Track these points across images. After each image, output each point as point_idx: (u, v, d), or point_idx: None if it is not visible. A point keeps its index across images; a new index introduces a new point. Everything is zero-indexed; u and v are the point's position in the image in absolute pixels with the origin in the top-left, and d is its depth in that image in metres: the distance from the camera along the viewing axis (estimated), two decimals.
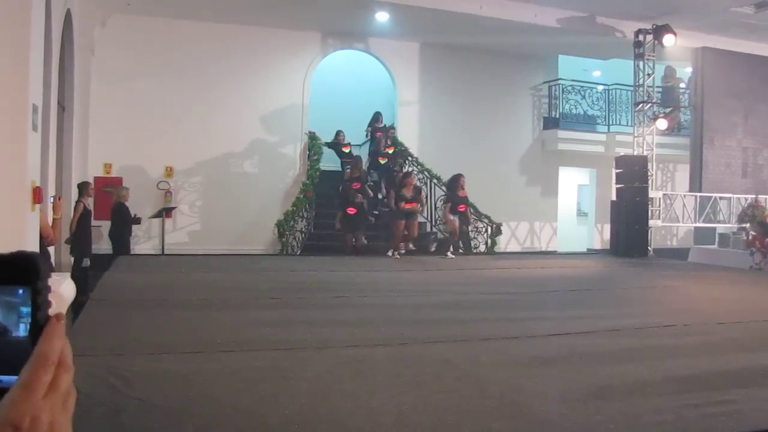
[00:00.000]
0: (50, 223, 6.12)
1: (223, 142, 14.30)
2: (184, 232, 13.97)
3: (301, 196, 13.31)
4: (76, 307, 6.29)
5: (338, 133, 15.16)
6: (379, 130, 15.03)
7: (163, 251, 12.93)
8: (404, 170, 13.71)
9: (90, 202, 11.06)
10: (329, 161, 15.03)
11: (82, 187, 10.86)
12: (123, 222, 11.98)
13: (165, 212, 13.10)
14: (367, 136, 15.51)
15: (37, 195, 5.21)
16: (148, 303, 6.55)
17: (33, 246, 5.30)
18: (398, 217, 11.92)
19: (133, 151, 13.57)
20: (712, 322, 6.32)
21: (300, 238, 13.16)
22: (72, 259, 10.70)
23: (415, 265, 10.80)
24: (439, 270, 10.33)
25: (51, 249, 6.47)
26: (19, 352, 0.61)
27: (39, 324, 0.63)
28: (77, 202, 10.69)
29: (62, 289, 5.03)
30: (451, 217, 12.30)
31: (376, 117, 15.20)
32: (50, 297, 0.66)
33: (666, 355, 4.95)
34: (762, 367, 4.65)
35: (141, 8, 13.01)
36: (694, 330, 5.95)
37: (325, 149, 14.90)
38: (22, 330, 0.62)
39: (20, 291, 0.62)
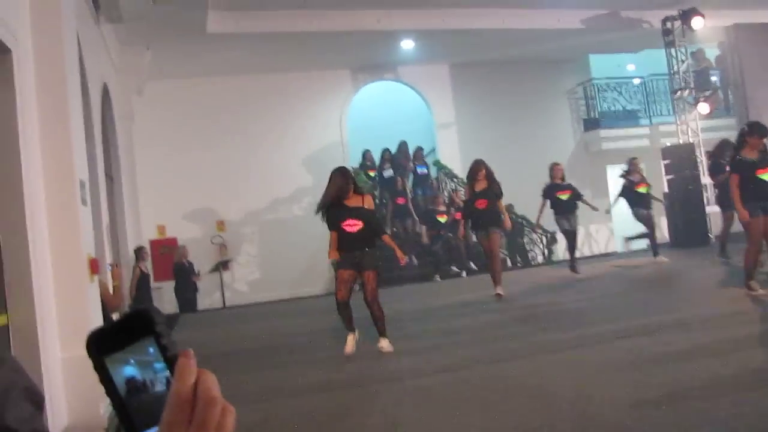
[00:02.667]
0: (111, 291, 6.32)
1: (269, 190, 14.54)
2: (243, 283, 14.19)
3: None
4: None
5: (365, 153, 15.21)
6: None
7: (224, 304, 13.14)
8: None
9: (147, 265, 11.38)
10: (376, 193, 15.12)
11: (137, 252, 11.19)
12: (185, 280, 12.32)
13: (222, 266, 13.34)
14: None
15: (94, 266, 5.38)
16: (213, 357, 6.65)
17: (96, 314, 5.46)
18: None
19: (183, 211, 13.90)
20: None
21: None
22: None
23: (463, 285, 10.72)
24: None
25: (114, 316, 6.64)
26: (160, 406, 0.63)
27: (171, 364, 0.65)
28: (134, 267, 10.99)
29: None
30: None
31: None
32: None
33: (739, 346, 4.83)
34: None
35: (173, 71, 13.39)
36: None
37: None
38: (159, 386, 0.64)
39: (150, 349, 0.64)
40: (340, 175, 6.30)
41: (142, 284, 10.94)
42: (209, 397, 0.64)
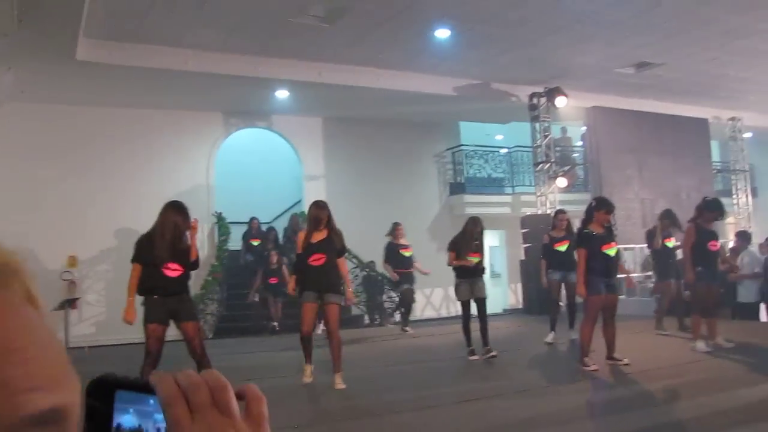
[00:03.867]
0: None
1: (128, 228, 13.76)
2: (90, 323, 13.39)
3: (210, 278, 13.01)
4: None
5: (251, 221, 14.41)
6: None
7: (67, 344, 12.30)
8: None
9: None
10: (237, 241, 14.75)
11: None
12: None
13: (69, 303, 12.52)
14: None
15: None
16: None
17: None
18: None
19: (34, 241, 12.98)
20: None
21: (212, 321, 12.81)
22: None
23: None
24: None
25: None
26: None
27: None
28: None
29: None
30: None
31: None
32: None
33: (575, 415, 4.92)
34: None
35: (36, 95, 12.65)
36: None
37: (232, 227, 14.62)
38: None
39: (150, 401, 0.62)
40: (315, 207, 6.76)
41: None
42: (190, 382, 0.61)
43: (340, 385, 6.32)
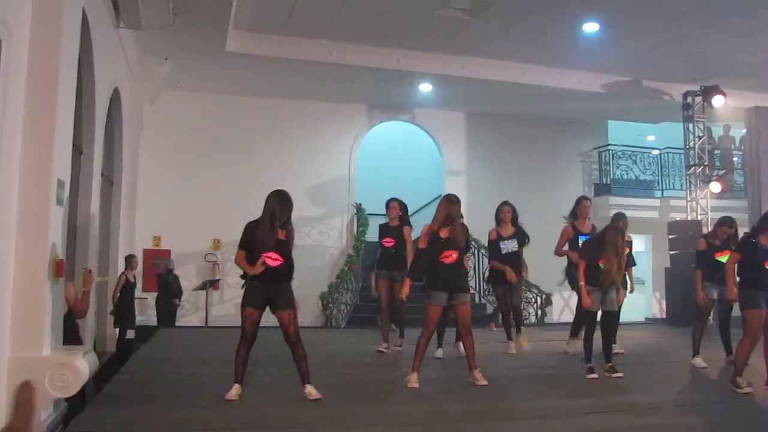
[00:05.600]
0: (79, 296, 6.16)
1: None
2: (230, 305, 13.93)
3: (346, 268, 13.25)
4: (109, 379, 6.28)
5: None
6: None
7: (206, 323, 12.93)
8: None
9: (134, 274, 11.24)
10: (375, 232, 14.89)
11: (127, 259, 11.09)
12: (167, 293, 12.23)
13: (210, 284, 13.16)
14: None
15: (59, 268, 5.22)
16: (176, 377, 6.50)
17: (55, 317, 5.32)
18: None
19: (182, 225, 13.77)
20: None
21: (345, 311, 13.04)
22: (117, 331, 10.80)
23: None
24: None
25: (80, 321, 6.48)
26: None
27: None
28: (120, 274, 10.87)
29: (79, 363, 5.00)
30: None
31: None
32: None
33: None
34: None
35: (190, 85, 13.39)
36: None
37: (371, 219, 14.80)
38: None
39: None
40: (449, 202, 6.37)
41: (125, 292, 10.82)
42: None
43: (482, 381, 6.19)
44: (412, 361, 6.23)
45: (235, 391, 5.49)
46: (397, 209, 8.65)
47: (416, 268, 6.61)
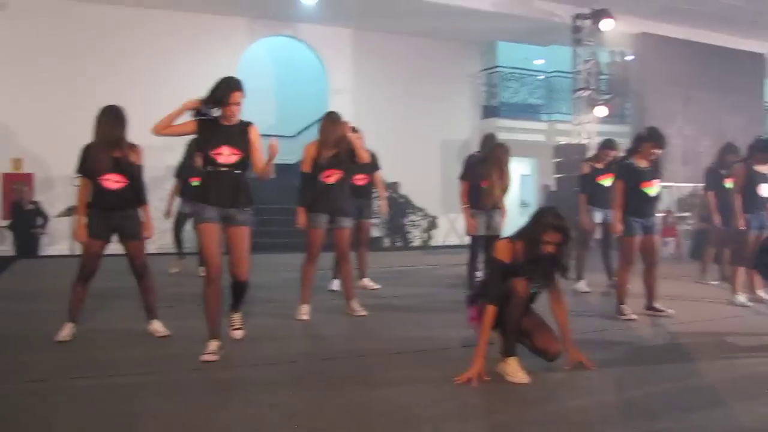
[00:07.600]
0: None
1: (144, 135, 13.30)
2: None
3: None
4: None
5: None
6: None
7: (72, 252, 12.02)
8: None
9: None
10: None
11: None
12: (24, 222, 11.27)
13: (75, 210, 12.17)
14: None
15: None
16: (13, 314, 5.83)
17: None
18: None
19: (46, 145, 12.58)
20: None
21: None
22: None
23: None
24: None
25: None
26: None
27: None
28: None
29: None
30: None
31: None
32: None
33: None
34: None
35: None
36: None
37: None
38: None
39: None
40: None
41: None
42: None
43: (360, 311, 5.97)
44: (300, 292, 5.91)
45: (67, 331, 4.89)
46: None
47: (305, 195, 6.05)
